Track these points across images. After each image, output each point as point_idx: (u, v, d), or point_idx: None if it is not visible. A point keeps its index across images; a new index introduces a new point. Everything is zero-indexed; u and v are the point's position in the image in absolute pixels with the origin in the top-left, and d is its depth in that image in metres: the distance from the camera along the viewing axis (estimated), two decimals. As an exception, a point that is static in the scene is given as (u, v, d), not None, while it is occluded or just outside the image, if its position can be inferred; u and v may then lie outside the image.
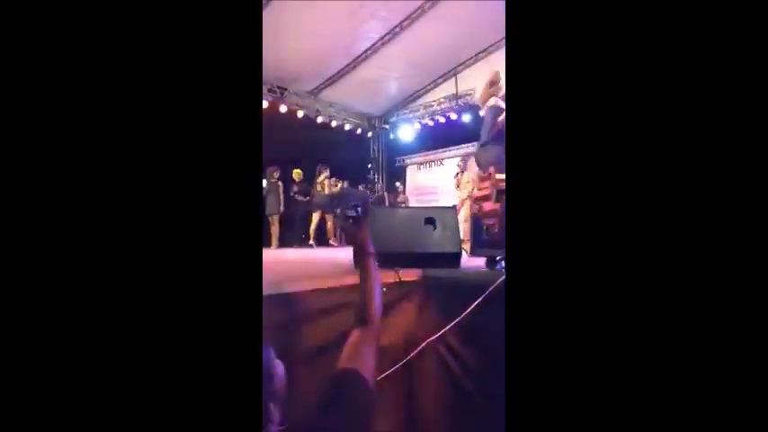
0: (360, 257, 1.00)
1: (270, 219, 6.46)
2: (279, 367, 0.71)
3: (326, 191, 6.95)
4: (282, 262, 3.23)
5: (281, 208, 6.53)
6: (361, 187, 8.11)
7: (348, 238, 1.01)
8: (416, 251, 2.09)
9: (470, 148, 8.38)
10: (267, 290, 1.53)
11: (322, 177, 6.98)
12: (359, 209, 1.03)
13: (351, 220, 1.02)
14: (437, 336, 1.70)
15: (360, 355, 0.81)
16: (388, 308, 1.66)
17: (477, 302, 1.64)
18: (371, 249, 1.00)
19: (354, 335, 0.86)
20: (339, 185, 7.36)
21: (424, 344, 1.67)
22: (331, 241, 7.14)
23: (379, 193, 8.16)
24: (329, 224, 7.05)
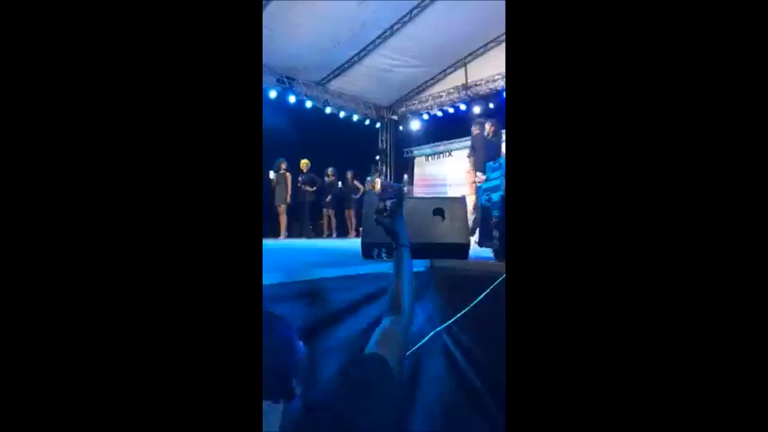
0: (395, 248, 1.02)
1: (278, 209, 6.52)
2: (301, 348, 0.71)
3: (377, 188, 7.51)
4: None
5: (289, 199, 6.58)
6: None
7: (385, 231, 1.04)
8: (425, 242, 2.07)
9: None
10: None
11: (374, 177, 7.68)
12: (392, 201, 1.04)
13: (384, 213, 1.04)
14: (444, 326, 1.70)
15: (388, 342, 0.83)
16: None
17: (485, 294, 1.63)
18: (405, 241, 1.03)
19: (386, 322, 0.88)
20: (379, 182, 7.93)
21: (431, 334, 1.67)
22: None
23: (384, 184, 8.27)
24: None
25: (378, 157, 9.48)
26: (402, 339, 0.86)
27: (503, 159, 2.63)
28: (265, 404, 0.58)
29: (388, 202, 1.04)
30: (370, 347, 0.81)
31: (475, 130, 5.03)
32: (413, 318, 0.93)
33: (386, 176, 8.96)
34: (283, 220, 6.58)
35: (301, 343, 0.72)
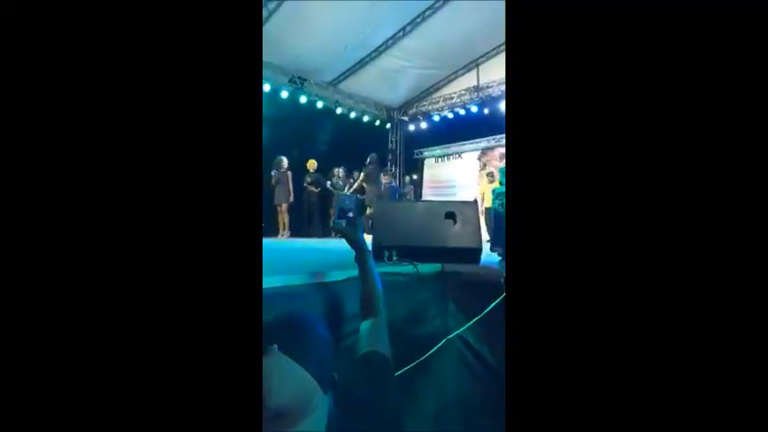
0: (357, 255, 1.11)
1: (279, 207, 6.49)
2: (331, 342, 0.77)
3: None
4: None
5: (291, 197, 6.53)
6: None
7: (348, 241, 1.14)
8: (436, 245, 2.06)
9: (492, 141, 8.30)
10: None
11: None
12: (351, 212, 1.13)
13: (345, 223, 1.12)
14: (457, 332, 1.69)
15: (377, 339, 0.92)
16: (407, 303, 1.65)
17: (498, 300, 1.62)
18: (367, 247, 1.12)
19: (367, 323, 0.96)
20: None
21: (443, 340, 1.66)
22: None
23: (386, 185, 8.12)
24: None
25: (390, 157, 9.47)
26: (386, 337, 0.95)
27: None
28: (318, 396, 0.62)
29: (349, 213, 1.12)
30: (364, 347, 0.89)
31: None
32: (387, 314, 1.02)
33: (395, 177, 8.89)
34: (284, 218, 6.54)
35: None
